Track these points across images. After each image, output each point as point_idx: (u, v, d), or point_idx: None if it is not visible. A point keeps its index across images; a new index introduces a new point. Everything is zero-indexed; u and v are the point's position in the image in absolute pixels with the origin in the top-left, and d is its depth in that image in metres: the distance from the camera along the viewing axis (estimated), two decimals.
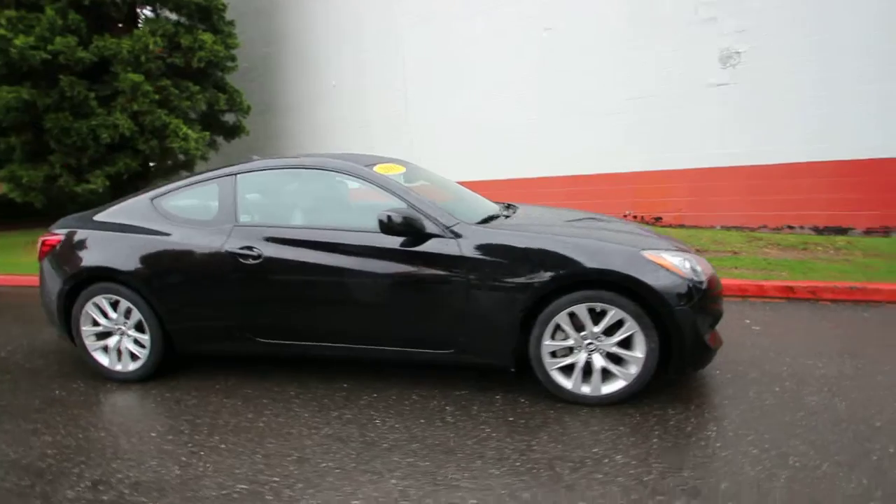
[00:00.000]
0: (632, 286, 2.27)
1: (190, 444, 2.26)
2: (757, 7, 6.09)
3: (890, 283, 4.07)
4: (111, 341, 2.97)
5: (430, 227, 2.48)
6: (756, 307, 3.99)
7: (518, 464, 2.00)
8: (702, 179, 6.62)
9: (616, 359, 2.41)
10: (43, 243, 3.16)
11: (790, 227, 6.27)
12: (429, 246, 2.48)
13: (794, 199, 6.17)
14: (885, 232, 5.76)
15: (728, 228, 6.59)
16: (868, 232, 5.83)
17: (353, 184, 2.77)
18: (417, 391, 2.68)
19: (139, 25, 8.26)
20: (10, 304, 5.28)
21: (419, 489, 1.87)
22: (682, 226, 6.83)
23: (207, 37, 7.86)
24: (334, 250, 2.60)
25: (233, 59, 8.77)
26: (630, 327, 2.31)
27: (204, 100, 8.14)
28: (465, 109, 8.18)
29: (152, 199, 3.00)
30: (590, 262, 2.30)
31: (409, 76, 8.76)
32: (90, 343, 3.00)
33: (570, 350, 2.44)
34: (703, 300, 2.32)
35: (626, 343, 2.36)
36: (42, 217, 9.25)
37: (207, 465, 2.10)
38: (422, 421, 2.37)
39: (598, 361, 2.40)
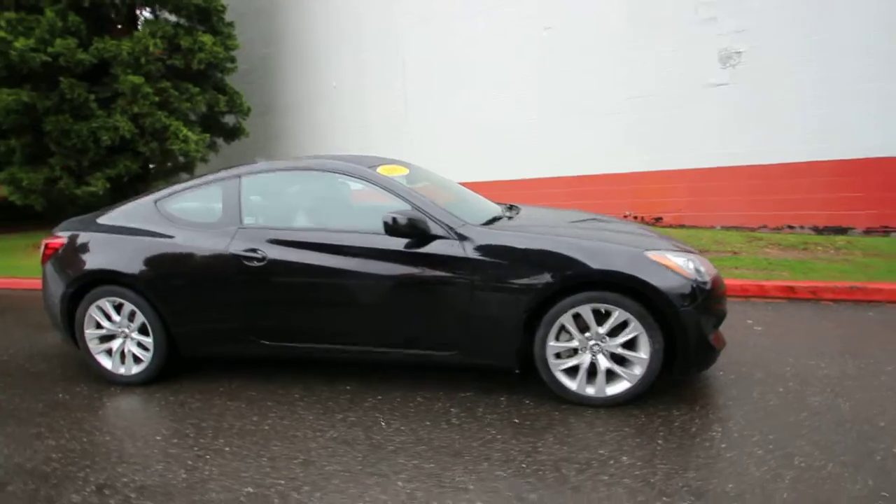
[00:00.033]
0: (637, 287, 2.27)
1: (195, 448, 2.27)
2: (757, 7, 6.10)
3: (890, 282, 4.08)
4: (115, 344, 2.97)
5: (434, 229, 2.48)
6: (757, 307, 4.00)
7: (524, 465, 2.00)
8: (702, 179, 6.64)
9: (620, 360, 2.41)
10: (46, 246, 3.16)
11: (790, 227, 6.28)
12: (433, 247, 2.48)
13: (794, 198, 6.18)
14: (885, 232, 5.78)
15: (728, 228, 6.60)
16: (868, 231, 5.85)
17: (357, 185, 2.77)
18: (422, 393, 2.68)
19: (138, 27, 8.25)
20: (11, 307, 5.27)
21: (426, 491, 1.88)
22: (682, 226, 6.84)
23: (207, 38, 7.85)
24: (339, 252, 2.60)
25: (232, 60, 8.76)
26: (634, 328, 2.31)
27: (204, 101, 8.13)
28: (464, 110, 8.18)
29: (156, 202, 3.00)
30: (594, 264, 2.31)
31: (408, 76, 8.77)
32: (93, 346, 3.00)
33: (575, 351, 2.44)
34: (707, 301, 2.33)
35: (631, 344, 2.36)
36: (42, 220, 9.25)
37: (213, 468, 2.10)
38: (427, 423, 2.38)
39: (603, 362, 2.40)
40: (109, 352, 2.99)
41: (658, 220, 6.98)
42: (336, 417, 2.48)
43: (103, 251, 2.96)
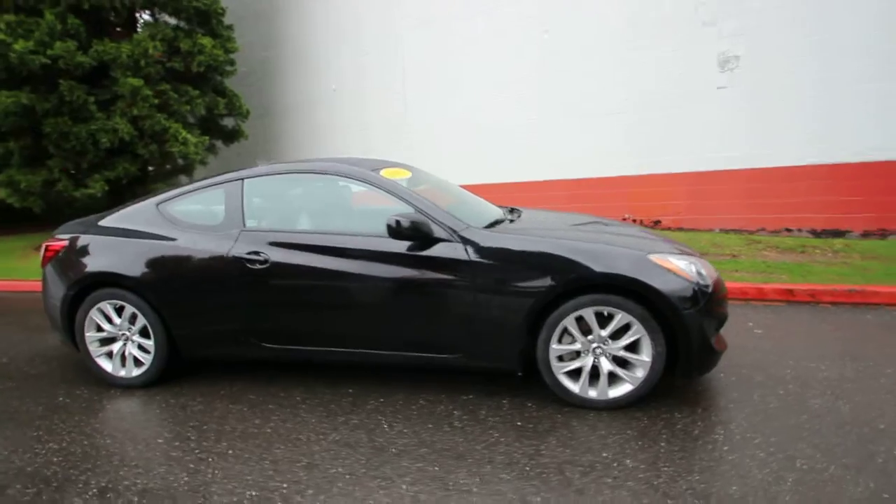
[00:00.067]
0: (639, 290, 2.29)
1: (197, 451, 2.26)
2: (756, 7, 6.13)
3: (888, 285, 4.11)
4: (115, 347, 2.96)
5: (437, 232, 2.49)
6: (757, 310, 4.01)
7: (528, 468, 2.01)
8: (700, 182, 6.67)
9: (622, 362, 2.42)
10: (47, 248, 3.15)
11: (788, 230, 6.32)
12: (436, 250, 2.49)
13: (792, 202, 6.22)
14: (882, 235, 5.82)
15: (727, 231, 6.63)
16: (865, 235, 5.89)
17: (360, 188, 2.78)
18: (424, 395, 2.68)
19: (138, 30, 8.26)
20: (9, 309, 5.25)
21: (430, 494, 1.88)
22: (680, 228, 6.87)
23: (207, 41, 7.86)
24: (342, 255, 2.61)
25: (232, 63, 8.78)
26: (637, 331, 2.32)
27: (203, 104, 8.14)
28: (464, 110, 8.20)
29: (158, 205, 3.00)
30: (597, 267, 2.32)
31: (408, 79, 8.80)
32: (94, 349, 2.99)
33: (577, 354, 2.45)
34: (709, 304, 2.34)
35: (633, 347, 2.37)
36: (40, 222, 9.22)
37: (216, 471, 2.10)
38: (430, 426, 2.38)
39: (605, 365, 2.41)
40: (110, 354, 2.98)
41: (657, 222, 7.01)
42: (338, 420, 2.48)
43: (105, 254, 2.96)
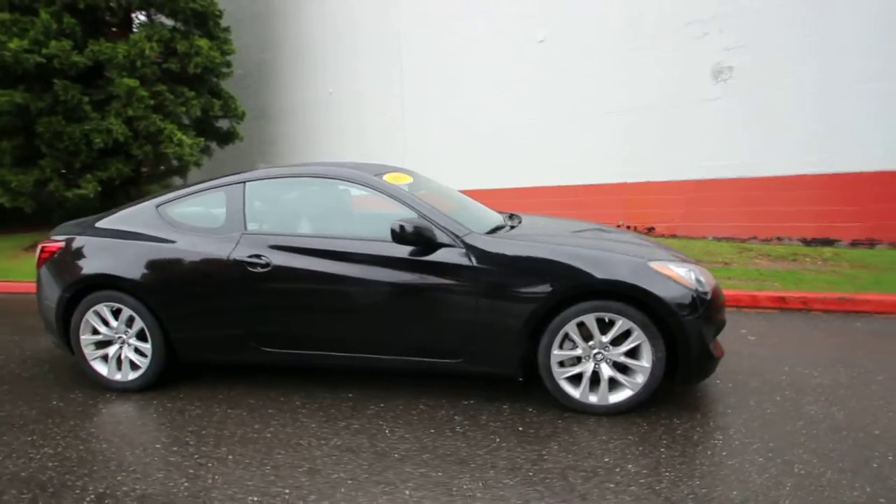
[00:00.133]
0: (640, 296, 2.31)
1: (196, 456, 2.24)
2: (756, 8, 6.23)
3: (878, 293, 4.19)
4: (111, 350, 2.93)
5: (440, 237, 2.51)
6: (750, 317, 4.07)
7: (531, 474, 2.02)
8: (694, 191, 6.76)
9: (623, 368, 2.44)
10: (42, 250, 3.11)
11: (779, 239, 6.42)
12: (439, 256, 2.50)
13: (784, 210, 6.33)
14: (871, 244, 5.93)
15: (719, 239, 6.73)
16: (854, 244, 6.00)
17: (362, 193, 2.78)
18: (424, 400, 2.68)
19: (134, 30, 8.21)
20: (0, 311, 5.16)
21: (434, 500, 1.88)
22: (674, 236, 6.95)
23: (203, 43, 7.84)
24: (344, 259, 2.61)
25: (228, 65, 8.75)
26: (637, 337, 2.35)
27: (199, 105, 8.10)
28: (463, 112, 8.23)
29: (157, 207, 2.98)
30: (599, 273, 2.34)
31: (406, 81, 8.83)
32: (89, 352, 2.95)
33: (578, 359, 2.47)
34: (707, 310, 2.38)
35: (634, 352, 2.40)
36: (30, 222, 9.08)
37: (216, 477, 2.08)
38: (431, 431, 2.38)
39: (606, 371, 2.43)
40: (105, 358, 2.94)
41: (650, 229, 7.09)
42: (339, 425, 2.47)
43: (102, 255, 2.93)
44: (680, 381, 2.45)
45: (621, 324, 2.36)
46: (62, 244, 3.05)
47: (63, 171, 7.44)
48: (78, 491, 2.02)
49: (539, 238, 2.65)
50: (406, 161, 8.39)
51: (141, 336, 2.87)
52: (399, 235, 2.45)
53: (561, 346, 2.44)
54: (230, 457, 2.22)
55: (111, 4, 7.52)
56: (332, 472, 2.08)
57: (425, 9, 8.47)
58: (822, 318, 3.98)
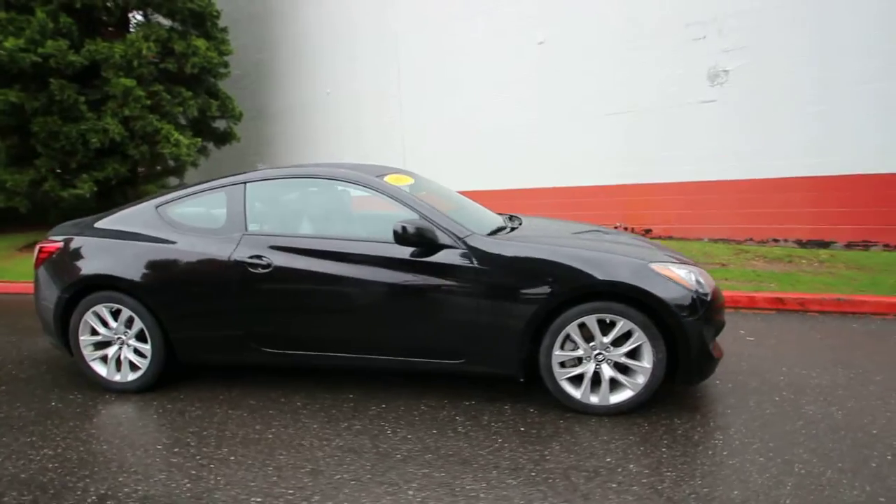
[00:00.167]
0: (641, 298, 2.33)
1: (198, 457, 2.23)
2: (751, 24, 6.28)
3: (874, 295, 4.23)
4: (110, 351, 2.91)
5: (442, 238, 2.51)
6: (748, 318, 4.10)
7: (533, 474, 2.02)
8: (691, 193, 6.80)
9: (623, 369, 2.46)
10: (40, 250, 3.09)
11: (775, 240, 6.47)
12: (441, 257, 2.51)
13: (780, 212, 6.37)
14: (866, 246, 5.99)
15: (715, 241, 6.77)
16: (849, 245, 6.06)
17: (364, 194, 2.78)
18: (425, 401, 2.68)
19: (130, 30, 8.18)
20: None
21: (438, 500, 1.88)
22: (670, 237, 6.99)
23: (201, 43, 7.82)
24: (345, 260, 2.61)
25: (226, 65, 8.74)
26: (638, 338, 2.36)
27: (196, 106, 8.08)
28: (462, 113, 8.24)
29: (157, 207, 2.97)
30: (600, 275, 2.36)
31: (403, 80, 8.83)
32: (88, 353, 2.94)
33: (579, 360, 2.48)
34: (707, 312, 2.39)
35: (634, 353, 2.41)
36: (24, 222, 9.01)
37: (219, 478, 2.07)
38: (434, 431, 2.38)
39: (607, 371, 2.44)
40: (104, 358, 2.93)
41: (647, 231, 7.12)
42: (341, 426, 2.46)
43: (101, 256, 2.91)
44: (680, 382, 2.46)
45: (622, 325, 2.37)
46: (60, 244, 3.04)
47: (58, 170, 7.40)
48: (79, 492, 2.01)
49: (540, 239, 2.66)
50: (404, 162, 8.41)
51: (140, 337, 2.86)
52: (401, 236, 2.45)
53: (562, 347, 2.45)
54: (232, 458, 2.21)
55: (108, 4, 7.50)
56: (336, 472, 2.08)
57: (423, 9, 8.49)
58: (819, 319, 4.02)
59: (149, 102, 7.36)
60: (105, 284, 2.86)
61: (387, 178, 2.83)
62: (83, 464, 2.21)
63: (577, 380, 2.49)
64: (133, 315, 2.83)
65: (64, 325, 2.95)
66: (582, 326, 2.42)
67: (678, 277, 2.39)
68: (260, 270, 2.66)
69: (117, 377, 2.91)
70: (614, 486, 1.93)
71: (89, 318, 2.89)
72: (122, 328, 2.88)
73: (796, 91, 6.13)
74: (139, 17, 8.49)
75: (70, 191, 7.29)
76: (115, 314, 2.87)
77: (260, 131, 10.37)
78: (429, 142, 8.64)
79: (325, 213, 2.95)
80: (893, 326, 3.79)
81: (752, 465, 2.04)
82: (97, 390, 2.94)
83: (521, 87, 7.73)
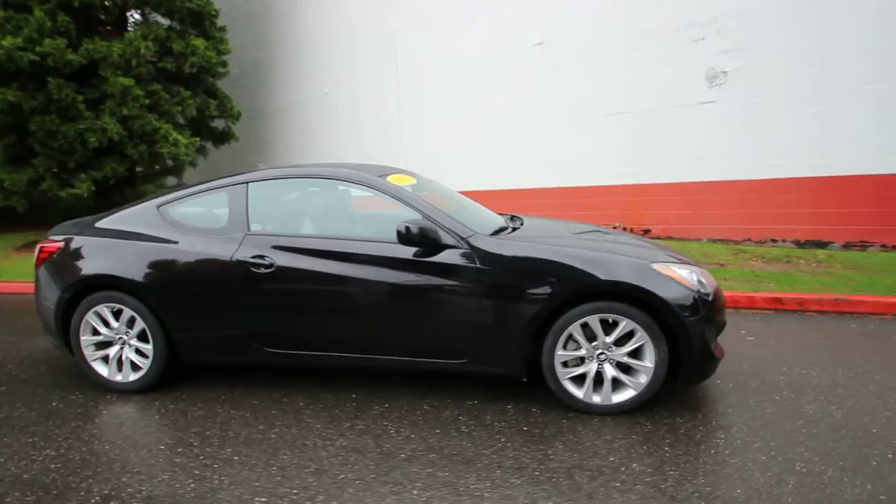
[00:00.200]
0: (644, 298, 2.34)
1: (201, 457, 2.23)
2: (750, 25, 6.31)
3: (872, 295, 4.26)
4: (112, 351, 2.91)
5: (445, 239, 2.52)
6: (747, 318, 4.12)
7: (537, 473, 2.03)
8: (691, 193, 6.83)
9: (625, 368, 2.47)
10: (41, 250, 3.08)
11: (773, 241, 6.50)
12: (444, 257, 2.51)
13: (778, 213, 6.40)
14: (863, 246, 6.03)
15: (714, 241, 6.80)
16: (847, 246, 6.09)
17: (366, 194, 2.79)
18: (428, 401, 2.69)
19: (128, 29, 8.15)
20: None
21: (443, 499, 1.88)
22: (669, 238, 7.01)
23: (200, 42, 7.80)
24: (348, 260, 2.61)
25: (224, 64, 8.71)
26: (641, 337, 2.38)
27: (194, 105, 8.05)
28: (461, 113, 8.23)
29: (158, 207, 2.96)
30: (603, 275, 2.37)
31: (402, 80, 8.82)
32: (89, 353, 2.93)
33: (582, 360, 2.49)
34: (709, 311, 2.41)
35: (637, 353, 2.42)
36: (21, 222, 8.96)
37: (223, 478, 2.07)
38: (437, 431, 2.38)
39: (609, 371, 2.45)
40: (106, 359, 2.92)
41: (646, 231, 7.14)
42: (344, 426, 2.47)
43: (103, 256, 2.90)
44: (682, 382, 2.48)
45: (625, 324, 2.38)
46: (61, 244, 3.03)
47: (56, 170, 7.36)
48: (82, 493, 2.01)
49: (542, 240, 2.67)
50: (402, 162, 8.40)
51: (142, 337, 2.85)
52: (405, 236, 2.46)
53: (565, 347, 2.46)
54: (235, 458, 2.21)
55: (106, 3, 7.47)
56: (339, 472, 2.08)
57: (422, 9, 8.48)
58: (818, 319, 4.04)
59: (147, 102, 7.33)
60: (106, 284, 2.85)
61: (389, 178, 2.83)
62: (86, 464, 2.21)
63: (579, 379, 2.50)
64: (135, 315, 2.82)
65: (65, 325, 2.94)
66: (584, 326, 2.43)
67: (680, 277, 2.40)
68: (263, 270, 2.66)
69: (118, 377, 2.91)
70: (618, 485, 1.94)
71: (90, 318, 2.88)
72: (124, 328, 2.87)
73: (795, 92, 6.16)
74: (137, 16, 8.46)
75: (68, 190, 7.26)
76: (117, 314, 2.87)
77: (258, 131, 10.34)
78: (427, 141, 8.64)
79: (328, 213, 2.96)
80: (891, 326, 3.82)
81: (754, 464, 2.05)
82: (98, 390, 2.93)
83: (521, 88, 7.74)
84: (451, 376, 2.85)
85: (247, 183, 2.87)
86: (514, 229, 2.92)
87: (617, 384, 2.46)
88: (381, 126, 9.08)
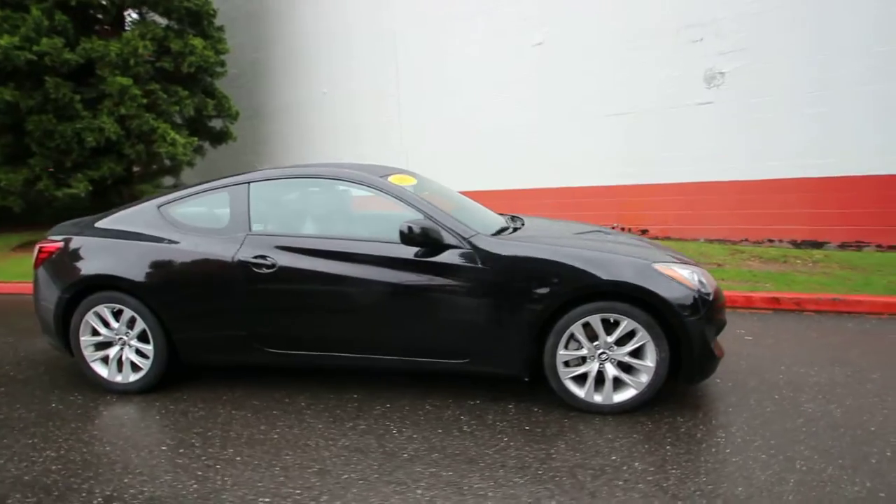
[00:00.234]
0: (645, 297, 2.35)
1: (203, 458, 2.23)
2: (750, 26, 6.34)
3: (869, 294, 4.30)
4: (112, 351, 2.90)
5: (447, 239, 2.52)
6: (745, 318, 4.15)
7: (540, 472, 2.04)
8: (690, 193, 6.86)
9: (626, 368, 2.48)
10: (40, 250, 3.07)
11: (770, 241, 6.54)
12: (446, 257, 2.52)
13: (775, 213, 6.44)
14: (858, 246, 6.07)
15: (711, 241, 6.83)
16: (842, 246, 6.14)
17: (367, 193, 2.79)
18: (430, 401, 2.69)
19: (126, 28, 8.12)
20: None
21: (447, 499, 1.89)
22: (667, 238, 7.04)
23: (198, 42, 7.78)
24: (349, 260, 2.61)
25: (222, 64, 8.70)
26: (642, 337, 2.39)
27: (192, 105, 8.04)
28: (460, 112, 8.24)
29: (159, 207, 2.95)
30: (605, 275, 2.38)
31: (401, 80, 8.82)
32: (89, 353, 2.92)
33: (583, 360, 2.50)
34: (710, 311, 2.42)
35: (638, 352, 2.44)
36: (17, 222, 8.91)
37: (226, 478, 2.07)
38: (439, 431, 2.39)
39: (611, 370, 2.47)
40: (105, 359, 2.91)
41: (644, 231, 7.17)
42: (346, 426, 2.47)
43: (103, 256, 2.89)
44: (683, 381, 2.49)
45: (626, 324, 2.39)
46: (61, 244, 3.02)
47: (53, 170, 7.33)
48: (84, 494, 2.00)
49: (544, 240, 2.68)
50: (402, 162, 8.40)
51: (142, 337, 2.84)
52: (407, 236, 2.46)
53: (566, 347, 2.47)
54: (238, 458, 2.21)
55: (103, 2, 7.45)
56: (343, 472, 2.08)
57: (421, 8, 8.48)
58: (815, 319, 4.07)
59: (145, 101, 7.30)
60: (106, 284, 2.84)
61: (390, 179, 2.84)
62: (87, 465, 2.20)
63: (581, 379, 2.51)
64: (135, 315, 2.82)
65: (64, 325, 2.92)
66: (586, 326, 2.44)
67: (681, 277, 2.42)
68: (264, 270, 2.66)
69: (118, 378, 2.90)
70: (620, 483, 1.95)
71: (90, 319, 2.87)
72: (124, 329, 2.86)
73: (795, 92, 6.20)
74: (134, 16, 8.43)
75: (65, 190, 7.22)
76: (117, 314, 2.86)
77: (256, 130, 10.32)
78: (427, 142, 8.64)
79: (330, 213, 2.96)
80: (888, 325, 3.85)
81: (755, 463, 2.06)
82: (97, 391, 2.92)
83: (521, 87, 7.75)
84: (452, 376, 2.86)
85: (248, 183, 2.86)
86: (516, 229, 2.93)
87: (618, 383, 2.48)
88: (380, 126, 9.08)
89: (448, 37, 8.26)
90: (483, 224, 2.84)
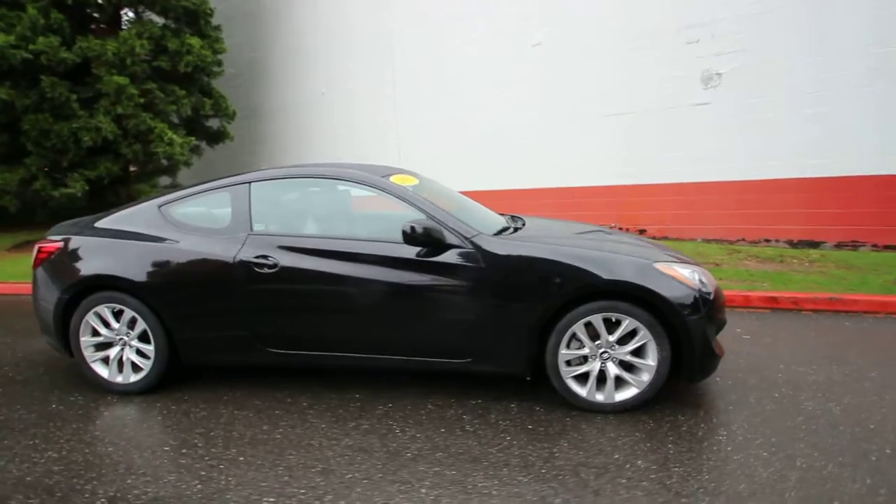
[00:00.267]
0: (646, 297, 2.37)
1: (207, 458, 2.22)
2: (749, 27, 6.37)
3: (865, 294, 4.33)
4: (112, 352, 2.88)
5: (449, 238, 2.53)
6: (743, 317, 4.17)
7: (544, 471, 2.05)
8: (689, 194, 6.89)
9: (628, 366, 2.49)
10: (39, 250, 3.05)
11: (766, 241, 6.58)
12: (448, 257, 2.52)
13: (772, 213, 6.48)
14: (854, 246, 6.12)
15: (708, 241, 6.87)
16: (839, 245, 6.18)
17: (369, 193, 2.79)
18: (432, 400, 2.70)
19: (123, 27, 8.08)
20: None
21: (452, 498, 1.90)
22: (665, 238, 7.07)
23: (195, 41, 7.76)
24: (351, 259, 2.61)
25: (219, 64, 8.68)
26: (643, 336, 2.40)
27: (189, 104, 8.01)
28: (458, 113, 8.25)
29: (160, 207, 2.95)
30: (606, 274, 2.39)
31: (399, 80, 8.82)
32: (89, 354, 2.90)
33: (585, 359, 2.51)
34: (710, 310, 2.44)
35: (639, 351, 2.45)
36: (13, 222, 8.84)
37: (229, 478, 2.07)
38: (442, 430, 2.39)
39: (612, 369, 2.48)
40: (106, 360, 2.90)
41: (642, 231, 7.20)
42: (349, 425, 2.47)
43: (103, 256, 2.88)
44: (684, 380, 2.51)
45: (628, 323, 2.41)
46: (60, 244, 3.00)
47: (49, 169, 7.28)
48: (87, 495, 1.99)
49: (545, 239, 2.69)
50: (399, 162, 8.40)
51: (143, 338, 2.83)
52: (409, 236, 2.47)
53: (568, 346, 2.48)
54: (241, 458, 2.21)
55: (100, 1, 7.40)
56: (347, 471, 2.08)
57: (419, 9, 8.49)
58: (813, 318, 4.10)
59: (142, 101, 7.27)
60: (107, 285, 2.83)
61: (392, 179, 2.84)
62: (89, 466, 2.19)
63: (582, 378, 2.52)
64: (136, 316, 2.81)
65: (64, 326, 2.91)
66: (588, 325, 2.45)
67: (682, 277, 2.43)
68: (266, 270, 2.66)
69: (119, 378, 2.88)
70: (624, 481, 1.97)
71: (90, 319, 2.86)
72: (125, 329, 2.85)
73: (794, 93, 6.23)
74: (131, 15, 8.39)
75: (61, 190, 7.18)
76: (117, 315, 2.85)
77: (253, 130, 10.29)
78: (424, 142, 8.64)
79: (331, 213, 2.96)
80: (885, 325, 3.89)
81: (757, 460, 2.08)
82: (98, 392, 2.91)
83: (521, 87, 7.76)
84: (453, 375, 2.86)
85: (249, 183, 2.86)
86: (517, 229, 2.94)
87: (620, 382, 2.49)
88: (377, 126, 9.08)
89: (448, 37, 8.26)
90: (484, 224, 2.85)
